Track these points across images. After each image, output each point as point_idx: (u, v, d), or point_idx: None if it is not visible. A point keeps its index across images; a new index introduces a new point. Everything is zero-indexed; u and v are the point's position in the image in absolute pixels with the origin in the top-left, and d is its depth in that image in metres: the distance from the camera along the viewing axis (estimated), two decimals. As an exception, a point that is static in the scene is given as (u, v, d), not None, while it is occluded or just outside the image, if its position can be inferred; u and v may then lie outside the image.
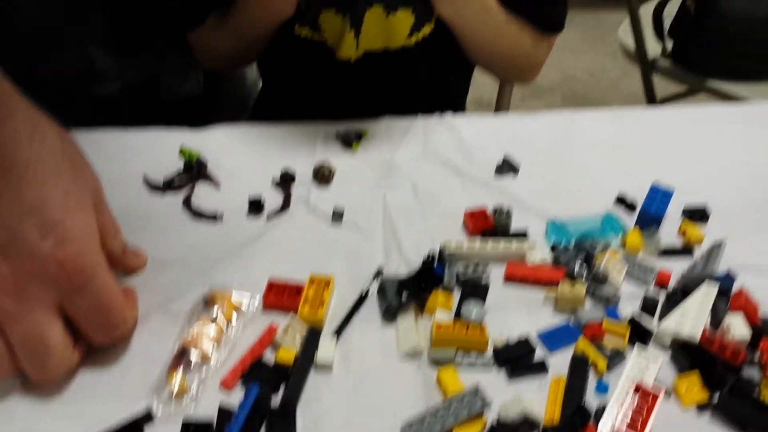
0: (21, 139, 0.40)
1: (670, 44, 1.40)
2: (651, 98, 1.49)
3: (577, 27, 2.48)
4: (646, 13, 1.43)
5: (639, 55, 1.42)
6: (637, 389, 0.43)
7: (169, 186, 0.59)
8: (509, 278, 0.53)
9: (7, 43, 0.69)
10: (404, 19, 0.70)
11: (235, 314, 0.50)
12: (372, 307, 0.50)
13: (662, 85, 1.49)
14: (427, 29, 0.72)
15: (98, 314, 0.43)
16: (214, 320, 0.49)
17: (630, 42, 1.43)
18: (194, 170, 0.60)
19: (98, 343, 0.45)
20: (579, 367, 0.46)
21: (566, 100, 2.20)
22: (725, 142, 0.67)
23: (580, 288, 0.51)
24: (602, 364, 0.46)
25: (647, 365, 0.46)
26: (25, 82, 0.71)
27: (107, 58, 0.73)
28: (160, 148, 0.63)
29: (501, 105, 1.05)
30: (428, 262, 0.52)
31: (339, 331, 0.49)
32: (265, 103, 0.86)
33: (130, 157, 0.62)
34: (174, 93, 0.79)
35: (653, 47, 1.42)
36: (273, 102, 0.83)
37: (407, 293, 0.50)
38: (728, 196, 0.60)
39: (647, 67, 1.42)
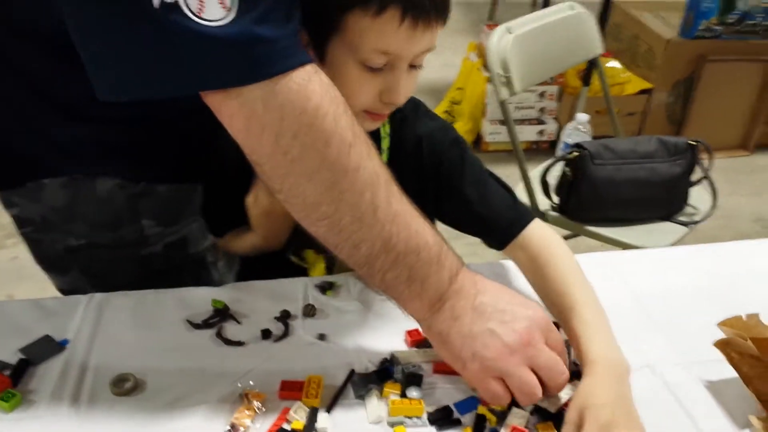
0: None
1: (556, 199, 1.79)
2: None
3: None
4: (535, 175, 1.82)
5: (532, 208, 1.80)
6: (513, 429, 0.73)
7: (206, 324, 0.88)
8: (436, 371, 0.82)
9: (81, 221, 0.95)
10: None
11: (261, 403, 0.77)
12: (349, 393, 0.79)
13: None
14: None
15: (560, 344, 0.76)
16: (249, 408, 0.76)
17: (526, 198, 1.82)
18: (222, 313, 0.89)
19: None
20: (480, 422, 0.76)
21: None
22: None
23: (480, 375, 0.81)
24: (493, 419, 0.76)
25: (520, 419, 0.76)
26: (83, 252, 0.98)
27: (155, 228, 0.98)
28: (198, 300, 0.91)
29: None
30: (384, 363, 0.82)
31: (329, 409, 0.77)
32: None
33: (178, 306, 0.91)
34: (197, 247, 1.04)
35: (543, 202, 1.80)
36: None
37: (371, 384, 0.79)
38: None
39: (539, 217, 1.79)
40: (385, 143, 0.95)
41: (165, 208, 0.98)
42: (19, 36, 0.81)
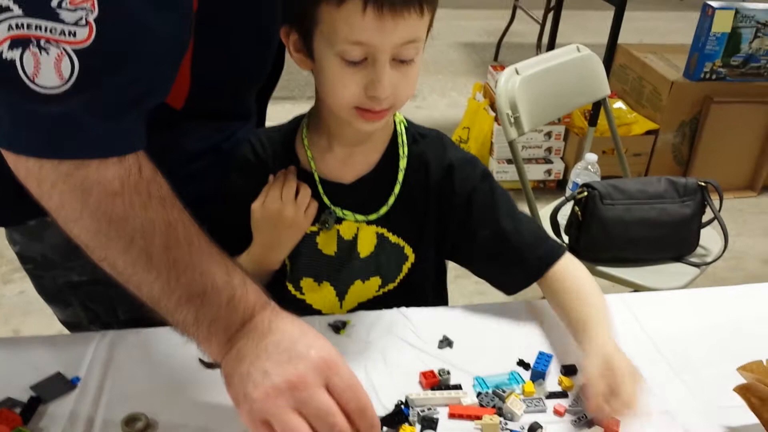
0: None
1: (566, 239, 1.78)
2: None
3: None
4: (545, 214, 1.82)
5: (542, 248, 1.79)
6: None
7: (217, 363, 0.86)
8: (451, 415, 0.81)
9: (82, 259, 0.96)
10: (375, 282, 1.01)
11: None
12: (364, 437, 0.77)
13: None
14: (391, 286, 1.01)
15: (348, 387, 0.68)
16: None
17: (535, 238, 1.81)
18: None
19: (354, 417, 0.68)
20: (497, 467, 0.74)
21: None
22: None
23: (496, 419, 0.79)
24: (511, 465, 0.74)
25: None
26: (83, 288, 0.97)
27: None
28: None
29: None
30: (398, 406, 0.81)
31: (344, 453, 0.75)
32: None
33: (189, 344, 0.89)
34: None
35: (553, 242, 1.79)
36: None
37: (386, 426, 0.77)
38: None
39: (550, 257, 1.79)
40: (403, 163, 0.96)
41: None
42: None
